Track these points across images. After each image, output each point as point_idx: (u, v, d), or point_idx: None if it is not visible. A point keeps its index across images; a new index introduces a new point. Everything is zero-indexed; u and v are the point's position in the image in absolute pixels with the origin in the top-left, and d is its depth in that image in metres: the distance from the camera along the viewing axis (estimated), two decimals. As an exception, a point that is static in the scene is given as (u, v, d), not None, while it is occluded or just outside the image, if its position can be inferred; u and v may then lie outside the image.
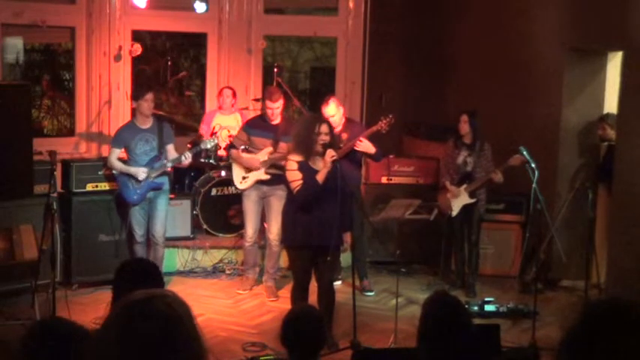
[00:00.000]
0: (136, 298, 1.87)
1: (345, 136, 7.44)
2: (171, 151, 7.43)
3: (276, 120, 7.47)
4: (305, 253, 6.19)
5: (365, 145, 7.27)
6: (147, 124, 7.35)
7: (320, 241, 6.08)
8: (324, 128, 6.05)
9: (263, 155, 7.48)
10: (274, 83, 9.33)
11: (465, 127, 7.72)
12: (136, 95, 7.43)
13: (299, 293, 6.29)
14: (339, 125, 7.46)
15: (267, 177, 7.46)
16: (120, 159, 7.42)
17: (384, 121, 7.17)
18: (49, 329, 2.52)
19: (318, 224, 6.06)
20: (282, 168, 7.44)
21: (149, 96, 7.31)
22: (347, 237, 6.39)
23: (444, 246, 8.02)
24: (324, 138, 6.03)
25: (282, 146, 7.33)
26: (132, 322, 1.80)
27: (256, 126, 7.55)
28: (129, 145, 7.34)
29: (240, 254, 8.16)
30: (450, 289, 7.91)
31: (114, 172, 7.49)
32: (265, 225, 7.79)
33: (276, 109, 7.39)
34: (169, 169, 7.52)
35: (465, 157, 7.80)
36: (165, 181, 7.47)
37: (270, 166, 7.47)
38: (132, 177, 7.32)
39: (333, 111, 7.43)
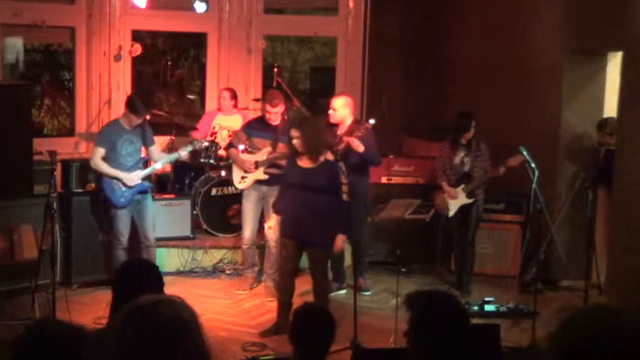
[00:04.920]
0: (144, 302, 1.86)
1: (346, 138, 7.48)
2: (154, 152, 7.46)
3: (276, 121, 7.51)
4: (286, 241, 6.58)
5: (354, 143, 7.30)
6: (130, 125, 7.31)
7: (299, 236, 6.47)
8: (293, 132, 6.42)
9: (262, 155, 7.49)
10: (274, 83, 9.32)
11: (472, 132, 7.71)
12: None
13: (279, 281, 6.79)
14: (339, 122, 7.57)
15: (265, 177, 7.48)
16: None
17: (363, 126, 7.41)
18: (42, 332, 2.49)
19: (294, 218, 6.46)
20: (282, 168, 7.48)
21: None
22: (338, 240, 6.41)
23: (441, 246, 8.01)
24: (295, 142, 6.43)
25: (281, 146, 7.37)
26: (141, 326, 1.80)
27: (256, 127, 7.60)
28: (114, 146, 7.23)
29: (239, 254, 8.17)
30: (449, 289, 7.92)
31: (98, 172, 7.38)
32: (264, 225, 7.77)
33: (274, 114, 7.45)
34: (159, 170, 7.58)
35: (461, 157, 7.79)
36: (148, 184, 7.50)
37: (269, 166, 7.48)
38: (119, 179, 7.24)
39: (337, 105, 7.59)
